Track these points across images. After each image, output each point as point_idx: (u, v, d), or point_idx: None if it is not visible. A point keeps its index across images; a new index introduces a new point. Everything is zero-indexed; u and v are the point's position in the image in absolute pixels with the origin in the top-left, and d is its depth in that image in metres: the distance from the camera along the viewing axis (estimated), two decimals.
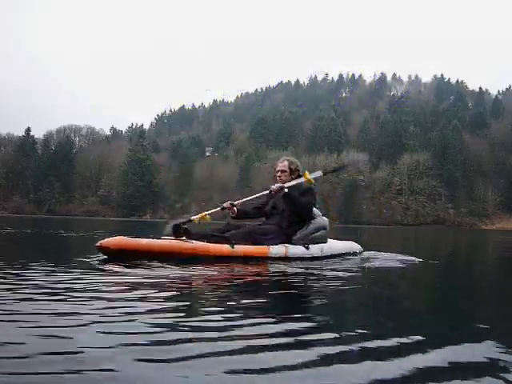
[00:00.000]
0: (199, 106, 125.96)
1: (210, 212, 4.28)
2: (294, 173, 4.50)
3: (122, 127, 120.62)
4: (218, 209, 4.39)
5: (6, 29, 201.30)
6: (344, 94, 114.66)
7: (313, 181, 4.34)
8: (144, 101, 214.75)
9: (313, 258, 4.11)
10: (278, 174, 4.54)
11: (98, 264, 3.25)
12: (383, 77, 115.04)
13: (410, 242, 12.10)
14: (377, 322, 1.80)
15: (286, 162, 4.53)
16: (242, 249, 3.82)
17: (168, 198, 78.16)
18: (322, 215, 4.55)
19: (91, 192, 77.54)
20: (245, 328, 1.58)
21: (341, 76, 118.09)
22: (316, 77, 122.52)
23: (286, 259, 3.94)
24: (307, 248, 4.17)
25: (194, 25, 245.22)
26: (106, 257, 3.45)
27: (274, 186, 4.24)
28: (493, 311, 2.30)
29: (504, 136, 76.74)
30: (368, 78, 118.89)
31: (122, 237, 3.53)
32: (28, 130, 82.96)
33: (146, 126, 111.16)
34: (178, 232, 3.82)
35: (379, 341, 1.46)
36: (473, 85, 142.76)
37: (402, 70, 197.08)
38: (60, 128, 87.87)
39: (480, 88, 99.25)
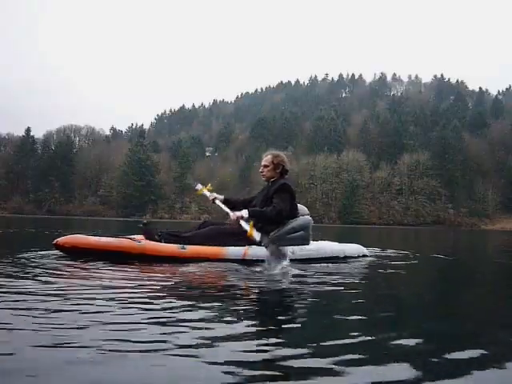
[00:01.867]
0: (199, 106, 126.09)
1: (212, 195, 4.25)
2: (278, 167, 4.19)
3: (122, 127, 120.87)
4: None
5: (5, 29, 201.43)
6: (344, 94, 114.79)
7: (252, 234, 3.67)
8: (144, 101, 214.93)
9: None
10: (261, 168, 4.27)
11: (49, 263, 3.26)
12: (383, 77, 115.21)
13: (409, 243, 12.09)
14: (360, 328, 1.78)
15: (269, 157, 4.25)
16: (193, 250, 3.64)
17: (168, 198, 78.16)
18: (306, 214, 4.24)
19: (91, 192, 77.55)
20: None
21: (341, 76, 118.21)
22: (316, 77, 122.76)
23: (244, 261, 3.63)
24: None
25: (194, 25, 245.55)
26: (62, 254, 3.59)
27: (232, 217, 3.81)
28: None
29: (504, 136, 76.76)
30: (368, 78, 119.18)
31: (77, 235, 3.64)
32: (28, 130, 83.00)
33: (146, 126, 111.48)
34: (146, 233, 3.82)
35: (372, 344, 1.45)
36: (473, 85, 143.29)
37: (401, 70, 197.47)
38: (60, 128, 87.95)
39: (480, 88, 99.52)
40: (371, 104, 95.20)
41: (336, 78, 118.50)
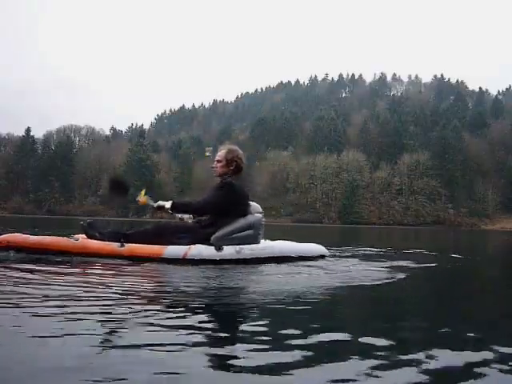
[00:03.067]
0: (199, 106, 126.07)
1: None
2: (231, 164, 3.99)
3: (122, 127, 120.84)
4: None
5: (5, 28, 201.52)
6: (344, 94, 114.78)
7: (143, 201, 3.88)
8: (144, 101, 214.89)
9: (222, 261, 3.58)
10: (214, 163, 4.08)
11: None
12: (383, 77, 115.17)
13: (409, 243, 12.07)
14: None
15: (223, 151, 4.03)
16: (131, 248, 3.55)
17: (168, 198, 78.15)
18: (260, 213, 4.03)
19: (91, 192, 77.58)
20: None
21: (341, 76, 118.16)
22: (316, 77, 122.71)
23: (184, 261, 3.51)
24: (219, 249, 3.66)
25: (194, 25, 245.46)
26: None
27: (155, 206, 3.85)
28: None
29: (504, 136, 76.75)
30: (368, 78, 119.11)
31: (15, 234, 3.63)
32: (28, 129, 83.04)
33: (146, 126, 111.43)
34: (86, 231, 3.79)
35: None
36: (473, 85, 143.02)
37: (401, 70, 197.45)
38: (60, 128, 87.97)
39: (480, 88, 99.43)
40: (371, 104, 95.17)
41: (336, 78, 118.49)
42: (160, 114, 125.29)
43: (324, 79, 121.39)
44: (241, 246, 3.76)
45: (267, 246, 3.97)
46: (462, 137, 76.10)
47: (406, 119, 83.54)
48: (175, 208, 3.87)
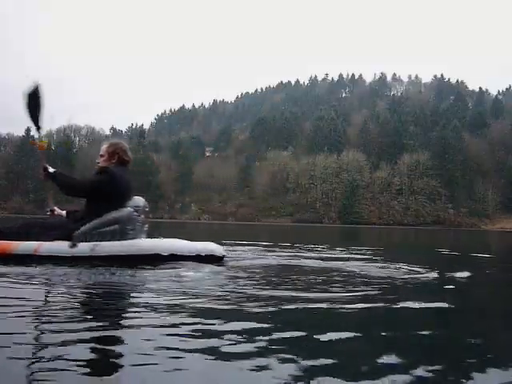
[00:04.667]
0: (199, 106, 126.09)
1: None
2: (113, 157, 3.82)
3: (122, 127, 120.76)
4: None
5: (5, 28, 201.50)
6: (344, 94, 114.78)
7: (42, 145, 3.74)
8: (144, 101, 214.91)
9: (75, 259, 3.33)
10: (98, 158, 3.92)
11: None
12: (383, 77, 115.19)
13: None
14: None
15: (104, 146, 3.91)
16: None
17: (168, 198, 78.19)
18: (135, 207, 3.79)
19: None
20: None
21: (341, 76, 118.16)
22: (316, 77, 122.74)
23: (35, 258, 3.30)
24: (72, 246, 3.42)
25: (194, 25, 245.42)
26: None
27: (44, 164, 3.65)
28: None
29: (504, 136, 76.75)
30: (368, 78, 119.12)
31: None
32: (28, 130, 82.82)
33: (146, 126, 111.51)
34: None
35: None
36: (473, 85, 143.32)
37: (401, 70, 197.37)
38: (60, 128, 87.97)
39: (480, 88, 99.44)
40: (371, 104, 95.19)
41: (336, 78, 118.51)
42: (160, 114, 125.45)
43: (324, 79, 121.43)
44: (98, 243, 3.47)
45: (133, 243, 3.57)
46: (462, 137, 76.10)
47: (406, 119, 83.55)
48: (56, 176, 3.70)
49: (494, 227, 65.08)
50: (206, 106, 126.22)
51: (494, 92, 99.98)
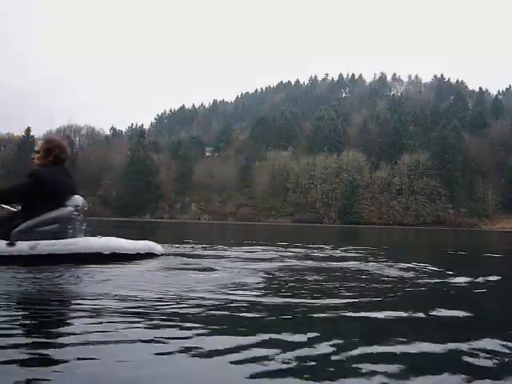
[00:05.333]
0: (199, 106, 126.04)
1: None
2: (49, 155, 3.74)
3: (122, 127, 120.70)
4: None
5: (5, 28, 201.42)
6: (344, 94, 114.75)
7: None
8: (144, 101, 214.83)
9: (13, 258, 3.27)
10: (33, 155, 3.83)
11: None
12: (383, 77, 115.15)
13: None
14: None
15: (40, 142, 3.84)
16: None
17: (168, 198, 78.18)
18: (75, 206, 3.73)
19: (91, 192, 77.48)
20: None
21: (341, 76, 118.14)
22: (316, 77, 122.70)
23: None
24: (10, 245, 3.36)
25: (194, 25, 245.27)
26: None
27: None
28: None
29: (504, 136, 76.74)
30: (368, 78, 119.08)
31: None
32: (28, 129, 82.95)
33: (146, 126, 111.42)
34: None
35: None
36: (473, 85, 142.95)
37: (401, 70, 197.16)
38: (60, 128, 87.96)
39: (480, 88, 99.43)
40: (371, 104, 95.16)
41: (336, 78, 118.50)
42: (160, 114, 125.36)
43: (324, 79, 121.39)
44: (37, 242, 3.41)
45: (73, 242, 3.57)
46: (462, 137, 76.07)
47: (406, 119, 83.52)
48: None
49: (493, 227, 65.03)
50: (206, 106, 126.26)
51: (494, 92, 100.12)
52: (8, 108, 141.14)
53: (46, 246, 3.42)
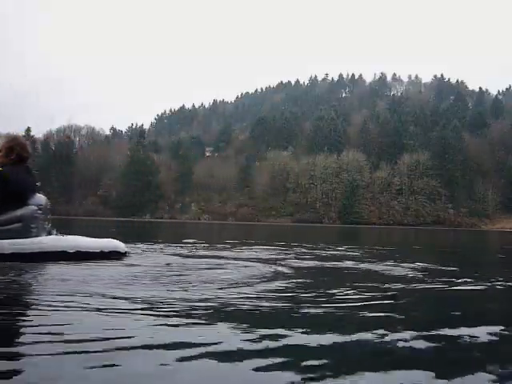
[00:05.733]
0: (199, 106, 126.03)
1: None
2: (11, 153, 3.72)
3: (122, 127, 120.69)
4: None
5: (5, 28, 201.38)
6: (344, 94, 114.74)
7: None
8: (144, 101, 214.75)
9: None
10: None
11: None
12: (383, 77, 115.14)
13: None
14: None
15: (1, 140, 3.84)
16: None
17: (168, 198, 78.18)
18: (39, 205, 3.78)
19: (91, 192, 77.50)
20: None
21: (341, 76, 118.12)
22: (316, 77, 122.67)
23: None
24: None
25: (194, 25, 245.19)
26: None
27: None
28: None
29: (504, 136, 76.74)
30: (368, 78, 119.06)
31: None
32: (28, 129, 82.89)
33: (146, 126, 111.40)
34: None
35: None
36: (473, 85, 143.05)
37: (402, 70, 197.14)
38: (60, 128, 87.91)
39: (480, 88, 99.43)
40: (371, 104, 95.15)
41: (336, 78, 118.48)
42: (160, 114, 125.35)
43: (324, 79, 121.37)
44: (0, 241, 3.45)
45: (37, 241, 3.58)
46: (462, 137, 76.07)
47: (406, 119, 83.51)
48: None
49: (493, 227, 65.03)
50: (206, 106, 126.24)
51: (494, 92, 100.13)
52: (8, 108, 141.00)
53: (9, 244, 3.43)
